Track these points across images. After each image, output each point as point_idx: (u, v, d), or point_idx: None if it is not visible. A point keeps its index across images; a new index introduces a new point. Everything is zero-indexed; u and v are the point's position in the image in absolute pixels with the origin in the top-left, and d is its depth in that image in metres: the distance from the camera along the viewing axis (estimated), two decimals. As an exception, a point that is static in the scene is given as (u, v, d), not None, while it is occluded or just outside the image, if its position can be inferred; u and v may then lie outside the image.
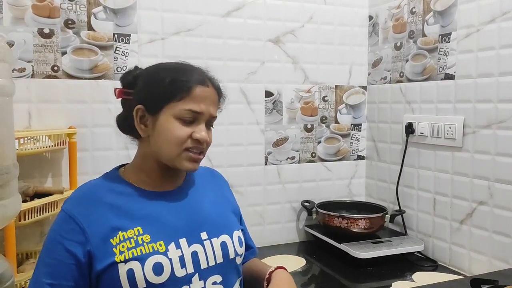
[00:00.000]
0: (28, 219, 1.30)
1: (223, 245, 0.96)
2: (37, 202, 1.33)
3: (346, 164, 2.01)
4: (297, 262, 1.65)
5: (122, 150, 1.62)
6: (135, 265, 0.85)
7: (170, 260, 0.88)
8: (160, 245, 0.88)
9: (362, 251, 1.56)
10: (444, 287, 1.22)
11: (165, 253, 0.88)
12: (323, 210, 1.78)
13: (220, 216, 1.02)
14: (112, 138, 1.60)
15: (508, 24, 1.37)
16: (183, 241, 0.91)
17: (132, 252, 0.86)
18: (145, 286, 0.85)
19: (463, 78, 1.52)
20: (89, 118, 1.58)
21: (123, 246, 0.86)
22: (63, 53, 1.53)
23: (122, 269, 0.85)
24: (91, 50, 1.57)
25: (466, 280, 1.26)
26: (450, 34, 1.57)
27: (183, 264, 0.89)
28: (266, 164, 1.86)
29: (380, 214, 1.73)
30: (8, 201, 1.02)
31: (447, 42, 1.58)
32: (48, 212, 1.39)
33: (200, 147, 0.94)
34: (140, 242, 0.87)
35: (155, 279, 0.85)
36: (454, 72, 1.56)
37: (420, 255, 1.68)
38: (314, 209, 1.85)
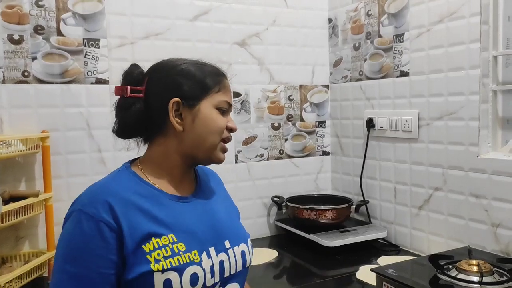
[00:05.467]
0: (6, 222, 1.32)
1: (243, 254, 0.97)
2: (14, 205, 1.34)
3: (312, 160, 2.10)
4: (269, 254, 1.73)
5: (95, 153, 1.65)
6: (173, 276, 0.82)
7: (204, 270, 0.86)
8: (195, 254, 0.86)
9: (330, 240, 1.65)
10: (405, 265, 1.33)
11: (199, 264, 0.86)
12: (292, 204, 1.87)
13: (235, 224, 1.03)
14: (84, 141, 1.63)
15: (455, 23, 1.50)
16: (212, 250, 0.90)
17: (170, 262, 0.82)
18: None
19: (417, 75, 1.65)
20: (61, 122, 1.60)
21: (158, 254, 0.82)
22: (33, 59, 1.55)
23: (158, 279, 0.81)
24: (61, 55, 1.59)
25: (423, 259, 1.37)
26: (403, 34, 1.69)
27: (212, 274, 0.88)
28: (236, 162, 1.93)
29: (346, 205, 1.83)
30: (-11, 203, 1.04)
31: (401, 42, 1.70)
32: (25, 215, 1.40)
33: (230, 137, 0.98)
34: (177, 251, 0.84)
35: None
36: (408, 70, 1.68)
37: (384, 241, 1.79)
38: (284, 204, 1.94)
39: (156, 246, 0.82)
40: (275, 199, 1.97)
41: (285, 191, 2.02)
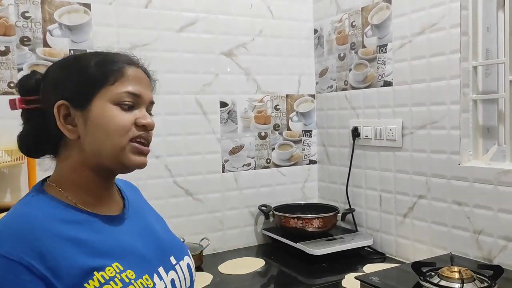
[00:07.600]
0: (-10, 233, 1.31)
1: (189, 268, 0.89)
2: (-2, 217, 1.33)
3: (299, 169, 2.12)
4: (256, 263, 1.73)
5: (82, 163, 1.64)
6: None
7: None
8: (147, 279, 0.76)
9: (317, 248, 1.67)
10: (389, 273, 1.34)
11: None
12: (279, 212, 1.88)
13: (173, 238, 0.93)
14: (71, 151, 1.63)
15: (436, 35, 1.54)
16: (161, 271, 0.81)
17: None
18: None
19: (400, 85, 1.68)
20: (47, 133, 1.60)
21: None
22: (19, 70, 1.55)
23: None
24: (47, 66, 1.59)
25: (407, 267, 1.38)
26: (386, 45, 1.73)
27: None
28: (223, 171, 1.94)
29: (333, 214, 1.85)
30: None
31: (384, 52, 1.74)
32: (9, 226, 1.40)
33: (147, 136, 0.81)
34: (127, 280, 0.73)
35: None
36: (392, 79, 1.71)
37: (370, 249, 1.81)
38: (271, 213, 1.95)
39: (103, 281, 0.70)
40: (262, 208, 1.98)
41: (272, 200, 2.03)
